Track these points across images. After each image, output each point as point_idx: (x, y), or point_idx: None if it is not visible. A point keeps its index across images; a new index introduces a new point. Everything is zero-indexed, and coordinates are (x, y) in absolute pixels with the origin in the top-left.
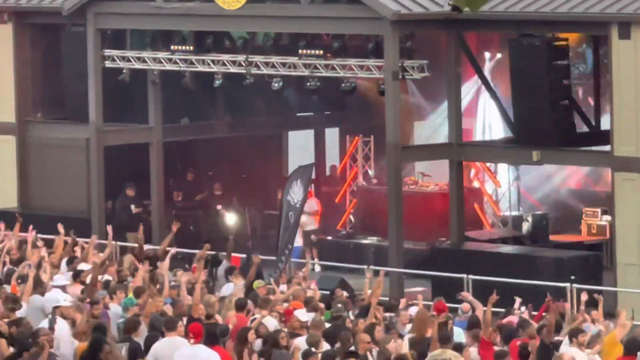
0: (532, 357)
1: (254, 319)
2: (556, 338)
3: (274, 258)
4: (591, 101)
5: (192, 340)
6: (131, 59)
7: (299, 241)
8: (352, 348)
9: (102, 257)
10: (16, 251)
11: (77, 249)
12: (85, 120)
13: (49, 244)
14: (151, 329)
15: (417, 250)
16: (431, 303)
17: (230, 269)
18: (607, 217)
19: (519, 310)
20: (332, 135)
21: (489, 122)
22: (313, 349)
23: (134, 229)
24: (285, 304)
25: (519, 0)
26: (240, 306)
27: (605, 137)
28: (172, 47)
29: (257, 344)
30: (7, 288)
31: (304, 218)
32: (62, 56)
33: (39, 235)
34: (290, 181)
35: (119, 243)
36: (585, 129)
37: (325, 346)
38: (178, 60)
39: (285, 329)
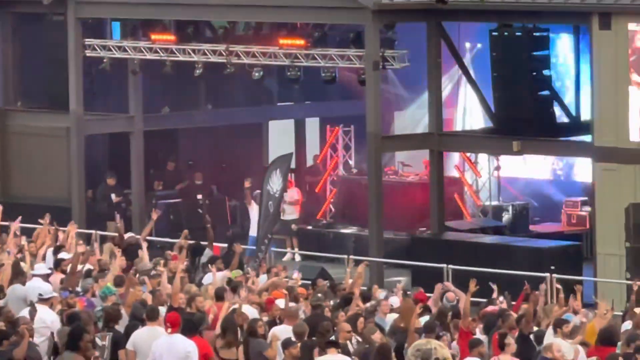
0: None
1: (234, 308)
2: (535, 328)
3: (253, 247)
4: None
5: (169, 330)
6: (112, 48)
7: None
8: (333, 337)
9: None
10: None
11: (62, 238)
12: (66, 109)
13: (29, 233)
14: (132, 317)
15: (397, 240)
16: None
17: (212, 259)
18: (587, 207)
19: (499, 300)
20: (312, 124)
21: (469, 112)
22: (293, 339)
23: (115, 218)
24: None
25: None
26: (219, 296)
27: (585, 128)
28: (152, 36)
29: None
30: None
31: (284, 207)
32: (42, 45)
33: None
34: (269, 171)
35: (99, 232)
36: (565, 119)
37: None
38: (159, 50)
39: (265, 318)
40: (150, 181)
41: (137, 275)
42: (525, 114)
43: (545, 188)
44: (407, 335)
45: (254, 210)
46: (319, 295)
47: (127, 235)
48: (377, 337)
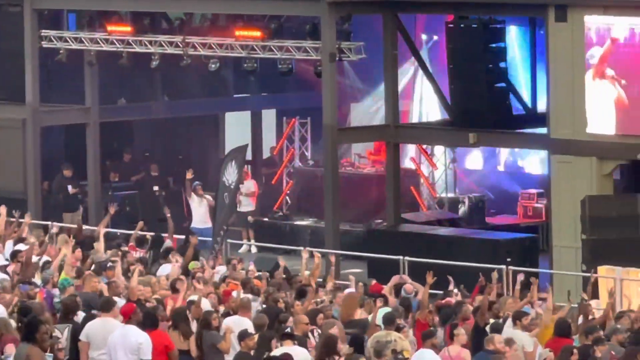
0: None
1: (192, 300)
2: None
3: (209, 239)
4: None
5: (123, 321)
6: (68, 40)
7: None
8: (289, 329)
9: (42, 237)
10: None
11: (24, 229)
12: (22, 101)
13: None
14: (88, 309)
15: (353, 232)
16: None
17: (167, 250)
18: (543, 200)
19: (455, 292)
20: (269, 116)
21: (426, 104)
22: (251, 330)
23: (71, 209)
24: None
25: None
26: (174, 287)
27: (542, 120)
28: (109, 27)
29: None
30: None
31: (241, 199)
32: None
33: None
34: (225, 162)
35: (55, 223)
36: (522, 111)
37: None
38: (115, 41)
39: (221, 309)
40: (107, 172)
41: (93, 266)
42: (482, 106)
43: (501, 180)
44: (369, 327)
45: (194, 201)
46: (271, 287)
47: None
48: (335, 330)
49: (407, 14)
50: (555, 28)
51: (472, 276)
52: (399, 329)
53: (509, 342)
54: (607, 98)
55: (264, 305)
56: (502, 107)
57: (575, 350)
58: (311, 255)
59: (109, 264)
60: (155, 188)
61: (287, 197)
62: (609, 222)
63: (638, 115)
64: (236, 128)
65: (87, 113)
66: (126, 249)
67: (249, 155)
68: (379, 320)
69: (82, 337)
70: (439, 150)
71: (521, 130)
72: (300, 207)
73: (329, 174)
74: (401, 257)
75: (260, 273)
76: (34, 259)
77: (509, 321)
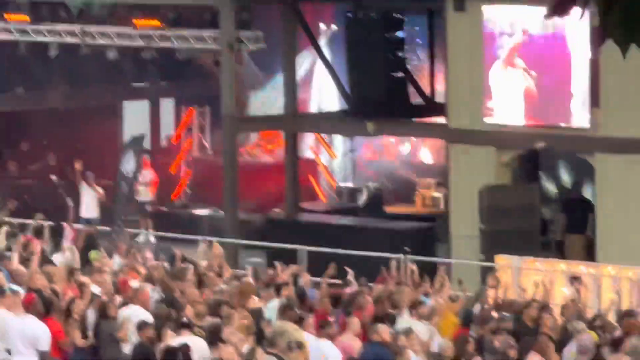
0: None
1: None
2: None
3: (108, 228)
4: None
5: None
6: None
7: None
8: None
9: None
10: None
11: None
12: None
13: None
14: None
15: (252, 222)
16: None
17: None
18: (441, 189)
19: (354, 282)
20: (167, 105)
21: (324, 94)
22: (150, 321)
23: None
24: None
25: None
26: (71, 277)
27: (440, 109)
28: (6, 16)
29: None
30: None
31: (139, 188)
32: None
33: None
34: (123, 152)
35: None
36: (420, 101)
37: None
38: (13, 30)
39: (119, 299)
40: (4, 162)
41: None
42: (380, 95)
43: (398, 169)
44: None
45: (84, 190)
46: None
47: None
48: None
49: (305, 3)
50: (453, 18)
51: (371, 265)
52: (300, 320)
53: (407, 332)
54: (516, 88)
55: (163, 295)
56: (400, 96)
57: (470, 339)
58: (210, 245)
59: (7, 253)
60: (54, 177)
61: (187, 187)
62: (506, 212)
63: (545, 106)
64: (135, 117)
65: None
66: (24, 240)
67: (147, 145)
68: (273, 311)
69: None
70: (337, 139)
71: (420, 120)
72: (199, 197)
73: (227, 163)
74: (300, 247)
75: (158, 262)
76: None
77: (405, 310)
